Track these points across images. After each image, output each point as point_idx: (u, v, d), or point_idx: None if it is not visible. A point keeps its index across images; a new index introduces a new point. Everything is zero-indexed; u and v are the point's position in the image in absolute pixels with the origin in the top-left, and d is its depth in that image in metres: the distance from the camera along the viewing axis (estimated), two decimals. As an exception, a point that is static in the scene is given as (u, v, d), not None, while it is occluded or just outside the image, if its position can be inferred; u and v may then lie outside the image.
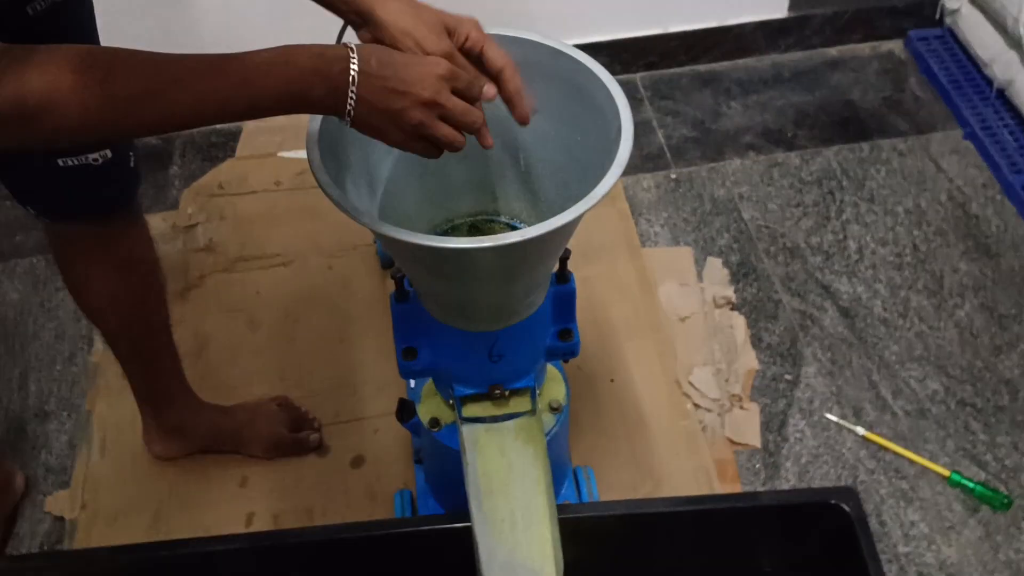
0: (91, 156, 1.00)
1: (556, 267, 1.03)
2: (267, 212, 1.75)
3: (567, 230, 0.84)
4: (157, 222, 1.73)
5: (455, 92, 0.79)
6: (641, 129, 1.89)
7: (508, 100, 0.86)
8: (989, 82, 1.90)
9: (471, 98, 0.81)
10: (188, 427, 1.39)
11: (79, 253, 1.15)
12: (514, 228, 1.06)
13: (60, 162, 0.99)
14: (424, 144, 0.80)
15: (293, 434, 1.41)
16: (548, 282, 1.03)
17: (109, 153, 1.02)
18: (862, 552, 1.09)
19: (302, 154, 1.85)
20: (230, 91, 0.72)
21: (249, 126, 1.90)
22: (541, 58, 0.93)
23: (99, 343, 1.54)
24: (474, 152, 1.00)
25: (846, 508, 1.12)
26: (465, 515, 1.03)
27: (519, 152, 1.00)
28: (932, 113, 1.91)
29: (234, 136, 1.89)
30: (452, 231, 1.07)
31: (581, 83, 0.92)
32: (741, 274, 1.64)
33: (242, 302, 1.62)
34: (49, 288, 1.65)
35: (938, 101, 1.93)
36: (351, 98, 0.75)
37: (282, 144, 1.87)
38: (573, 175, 0.95)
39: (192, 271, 1.66)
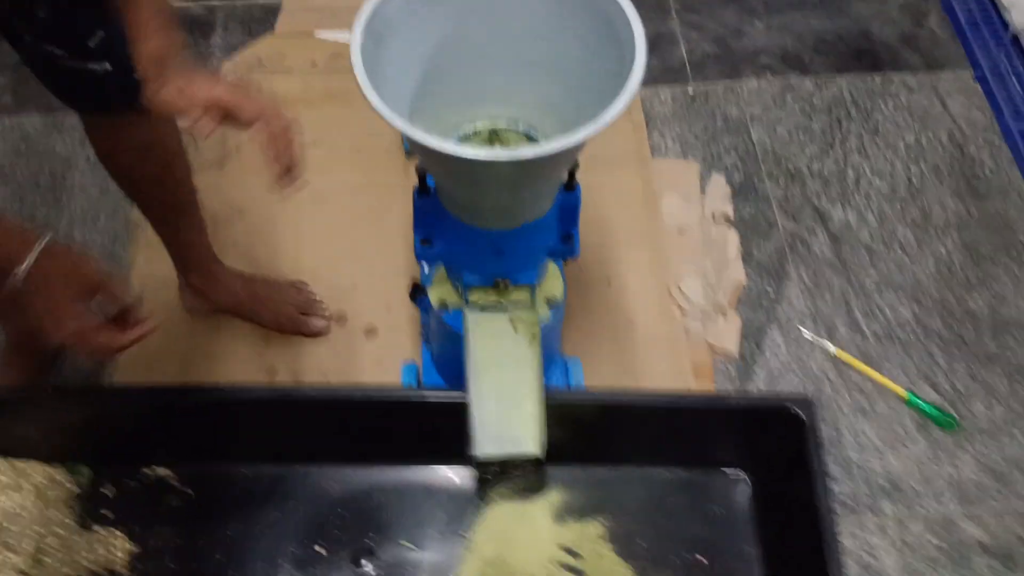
0: (91, 65, 1.04)
1: (565, 177, 1.14)
2: (302, 92, 1.84)
3: (574, 150, 0.94)
4: (197, 91, 1.83)
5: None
6: (666, 41, 1.96)
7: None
8: (1006, 26, 1.95)
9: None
10: (210, 291, 1.52)
11: (98, 131, 1.23)
12: (531, 137, 1.16)
13: (62, 62, 1.03)
14: None
15: (301, 315, 1.53)
16: (556, 190, 1.14)
17: (109, 66, 1.05)
18: (810, 455, 1.22)
19: (338, 35, 1.95)
20: None
21: (288, 2, 1.98)
22: (570, -19, 1.01)
23: (140, 202, 1.66)
24: (499, 63, 1.10)
25: (801, 414, 1.25)
26: (461, 391, 1.17)
27: (539, 68, 1.09)
28: (947, 52, 1.97)
29: (274, 11, 1.97)
30: (474, 134, 1.17)
31: (607, 10, 1.00)
32: (742, 192, 1.74)
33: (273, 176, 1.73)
34: (94, 145, 1.76)
35: (954, 40, 1.99)
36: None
37: (320, 23, 1.94)
38: (589, 94, 1.04)
39: (229, 142, 1.77)
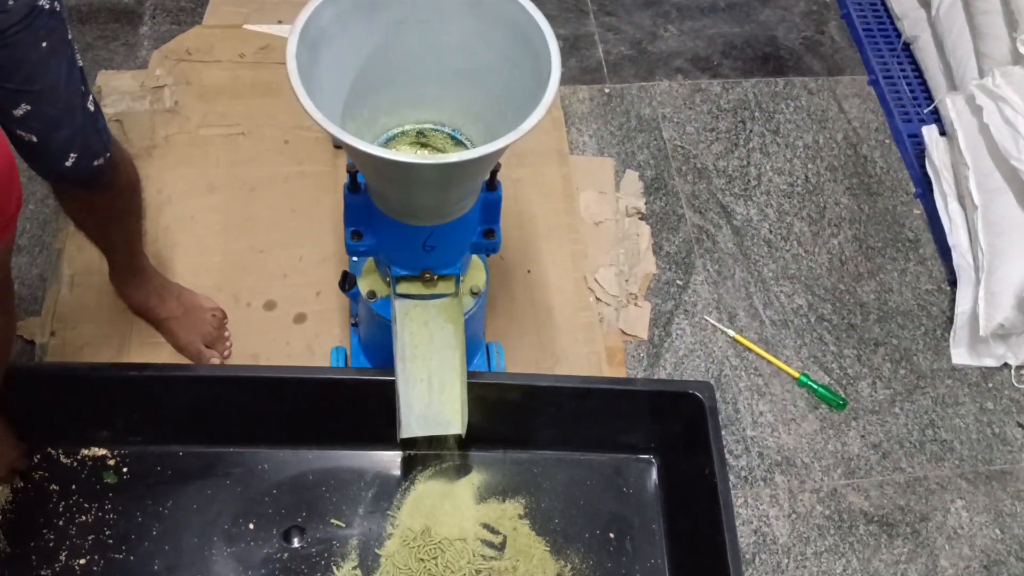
0: (19, 132, 1.09)
1: (487, 177, 1.22)
2: (230, 83, 1.88)
3: (493, 157, 1.02)
4: (127, 80, 1.86)
5: None
6: (584, 42, 2.06)
7: None
8: (899, 35, 2.09)
9: None
10: (128, 298, 1.56)
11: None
12: (455, 138, 1.24)
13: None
14: None
15: (204, 347, 1.55)
16: (479, 189, 1.22)
17: (35, 139, 1.10)
18: (709, 434, 1.34)
19: (266, 28, 1.99)
20: None
21: (217, -6, 2.02)
22: (495, 1, 1.09)
23: (70, 190, 1.69)
24: (427, 71, 1.18)
25: (702, 398, 1.36)
26: (391, 371, 1.24)
27: (465, 77, 1.17)
28: (844, 57, 2.11)
29: (203, 2, 2.00)
30: (401, 135, 1.24)
31: (525, 29, 1.08)
32: (653, 188, 1.85)
33: (203, 165, 1.77)
34: (22, 132, 1.77)
35: (852, 46, 2.13)
36: None
37: (248, 17, 1.98)
38: (509, 103, 1.13)
39: (158, 131, 1.80)
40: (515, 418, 1.43)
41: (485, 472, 1.45)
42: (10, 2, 0.97)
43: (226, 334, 1.59)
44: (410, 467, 1.44)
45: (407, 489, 1.43)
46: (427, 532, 1.38)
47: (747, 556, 1.47)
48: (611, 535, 1.42)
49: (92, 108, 1.15)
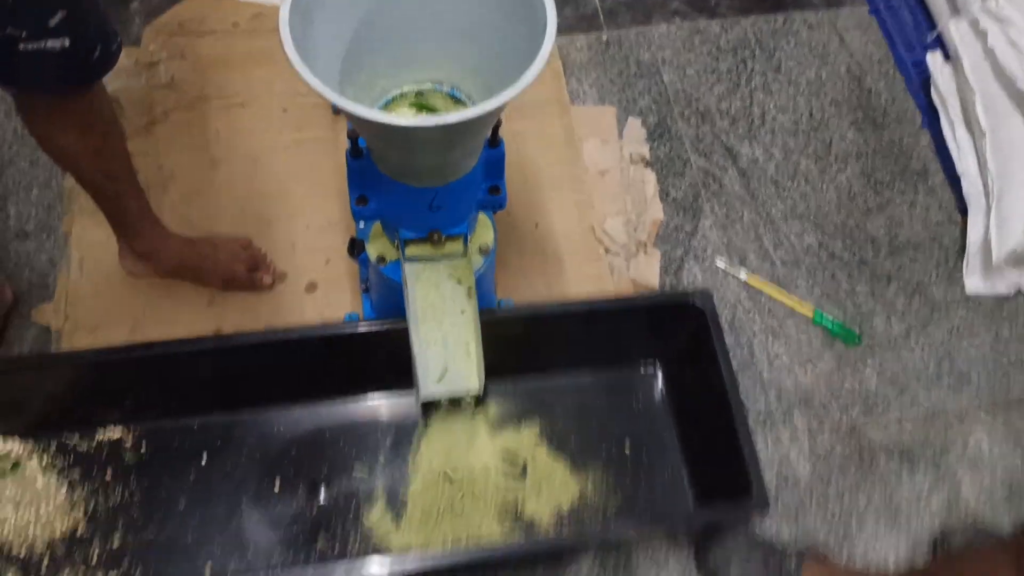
0: (50, 43, 1.07)
1: (489, 134, 1.21)
2: (225, 53, 1.86)
3: (493, 114, 1.01)
4: (121, 57, 1.83)
5: None
6: (578, -11, 2.03)
7: None
8: (898, -39, 2.06)
9: None
10: (155, 254, 1.55)
11: (37, 114, 1.25)
12: (455, 97, 1.22)
13: (20, 46, 1.06)
14: None
15: (249, 272, 1.58)
16: (481, 147, 1.21)
17: (68, 42, 1.08)
18: (712, 341, 1.36)
19: (257, -3, 1.95)
20: None
21: (205, -36, 1.98)
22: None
23: (73, 172, 1.68)
24: (423, 31, 1.16)
25: (700, 306, 1.38)
26: (396, 321, 1.26)
27: (461, 34, 1.16)
28: (844, -12, 2.08)
29: (191, -27, 1.97)
30: (400, 97, 1.23)
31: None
32: (657, 134, 1.83)
33: (203, 139, 1.76)
34: (20, 117, 1.76)
35: (851, -24, 2.09)
36: None
37: (238, -15, 1.96)
38: (506, 57, 1.11)
39: (156, 107, 1.79)
40: (523, 348, 1.44)
41: (498, 403, 1.48)
42: None
43: (263, 251, 1.62)
44: (425, 409, 1.46)
45: (424, 431, 1.45)
46: (448, 470, 1.40)
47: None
48: (626, 450, 1.46)
49: None
